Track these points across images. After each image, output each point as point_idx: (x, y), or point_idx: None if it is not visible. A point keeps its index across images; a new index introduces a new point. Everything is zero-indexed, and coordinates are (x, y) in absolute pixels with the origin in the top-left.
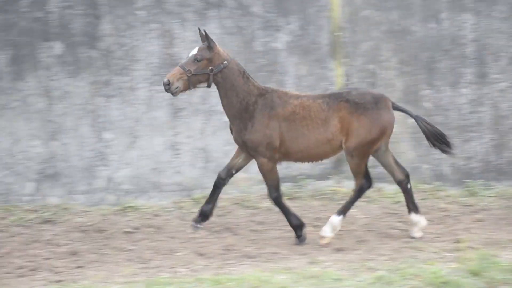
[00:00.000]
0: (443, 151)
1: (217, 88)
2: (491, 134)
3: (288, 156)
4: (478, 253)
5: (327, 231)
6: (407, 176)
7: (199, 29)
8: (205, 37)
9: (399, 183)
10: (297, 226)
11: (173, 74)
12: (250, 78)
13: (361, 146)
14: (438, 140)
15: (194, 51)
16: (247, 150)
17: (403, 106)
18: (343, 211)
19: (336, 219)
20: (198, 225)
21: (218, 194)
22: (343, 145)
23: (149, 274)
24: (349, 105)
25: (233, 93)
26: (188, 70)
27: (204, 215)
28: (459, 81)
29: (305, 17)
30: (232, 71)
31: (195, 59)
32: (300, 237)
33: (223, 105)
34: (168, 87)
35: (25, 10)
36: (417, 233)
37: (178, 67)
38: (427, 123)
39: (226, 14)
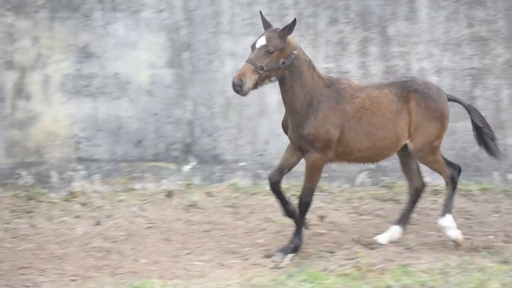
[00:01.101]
0: (490, 150)
1: (280, 81)
2: None
3: (344, 156)
4: None
5: (453, 234)
6: (423, 187)
7: (260, 12)
8: (264, 21)
9: (414, 191)
10: (298, 244)
11: (244, 72)
12: (316, 68)
13: (429, 143)
14: (488, 136)
15: (262, 41)
16: (302, 145)
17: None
18: (446, 210)
19: (445, 220)
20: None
21: (283, 195)
22: (409, 143)
23: None
24: (418, 96)
25: (299, 86)
26: (260, 66)
27: (291, 215)
28: None
29: None
30: (300, 61)
31: (268, 52)
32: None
33: (285, 99)
34: (240, 88)
35: None
36: (383, 240)
37: (247, 63)
38: (481, 116)
39: None
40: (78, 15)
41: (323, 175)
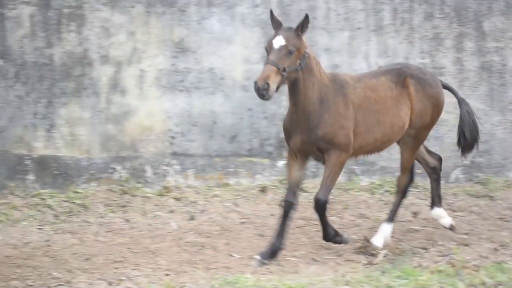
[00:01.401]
0: (465, 150)
1: (292, 83)
2: None
3: (359, 149)
4: None
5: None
6: (440, 162)
7: (271, 11)
8: (275, 20)
9: (432, 170)
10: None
11: (268, 74)
12: (320, 63)
13: (424, 129)
14: (471, 134)
15: (281, 40)
16: (320, 146)
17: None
18: (392, 217)
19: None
20: (265, 261)
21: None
22: (407, 128)
23: None
24: (415, 81)
25: (311, 86)
26: (283, 67)
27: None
28: None
29: None
30: (310, 59)
31: (289, 52)
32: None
33: (296, 101)
34: (266, 92)
35: None
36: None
37: (269, 65)
38: (470, 111)
39: None
40: (173, 10)
41: (418, 171)
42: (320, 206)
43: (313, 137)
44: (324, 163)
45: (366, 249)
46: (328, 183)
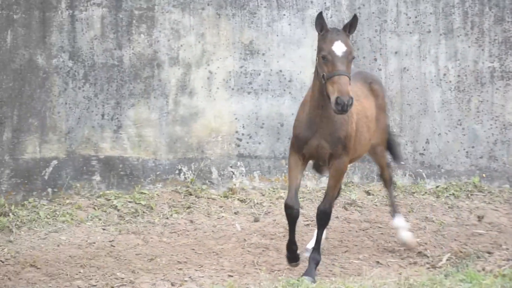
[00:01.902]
0: (394, 154)
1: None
2: None
3: (352, 156)
4: None
5: (404, 236)
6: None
7: (321, 13)
8: (321, 22)
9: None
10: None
11: (350, 88)
12: None
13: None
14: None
15: (343, 46)
16: (336, 151)
17: None
18: (395, 209)
19: (397, 221)
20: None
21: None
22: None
23: None
24: (378, 86)
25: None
26: (350, 76)
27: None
28: None
29: None
30: None
31: (352, 58)
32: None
33: (326, 105)
34: (350, 107)
35: None
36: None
37: (345, 76)
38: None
39: None
40: (243, 12)
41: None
42: (326, 217)
43: (333, 141)
44: (318, 170)
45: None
46: (333, 193)
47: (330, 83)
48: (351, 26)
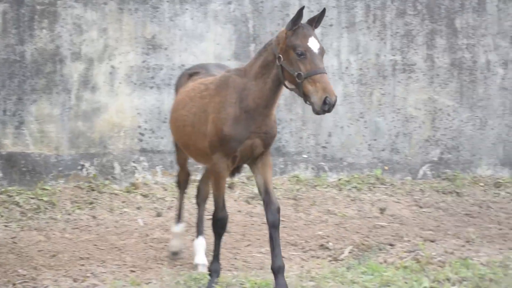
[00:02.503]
0: None
1: (280, 82)
2: None
3: None
4: None
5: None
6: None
7: (302, 8)
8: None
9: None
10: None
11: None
12: None
13: None
14: None
15: (317, 43)
16: (267, 149)
17: None
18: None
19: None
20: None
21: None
22: None
23: None
24: None
25: None
26: None
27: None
28: None
29: None
30: None
31: (324, 53)
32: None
33: (270, 104)
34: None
35: None
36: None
37: (326, 74)
38: None
39: None
40: (146, 7)
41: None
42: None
43: (268, 139)
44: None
45: None
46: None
47: (310, 82)
48: (318, 21)
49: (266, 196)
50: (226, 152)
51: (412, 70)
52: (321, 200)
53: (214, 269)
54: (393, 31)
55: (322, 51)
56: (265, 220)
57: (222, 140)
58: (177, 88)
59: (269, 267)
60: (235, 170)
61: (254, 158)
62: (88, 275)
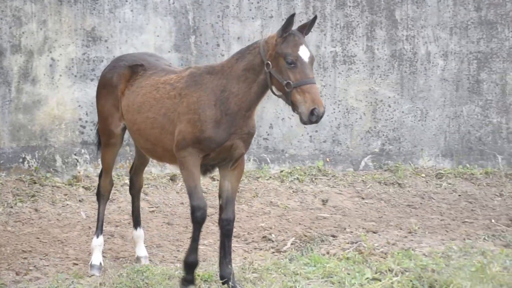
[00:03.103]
0: None
1: (266, 87)
2: None
3: None
4: None
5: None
6: None
7: (292, 15)
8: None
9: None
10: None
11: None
12: None
13: None
14: None
15: (308, 52)
16: (245, 149)
17: None
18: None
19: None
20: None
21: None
22: None
23: None
24: None
25: None
26: None
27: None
28: None
29: None
30: None
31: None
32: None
33: (252, 108)
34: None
35: None
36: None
37: (315, 85)
38: None
39: None
40: None
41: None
42: (233, 224)
43: (248, 140)
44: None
45: None
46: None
47: (299, 92)
48: (308, 28)
49: (226, 205)
50: (201, 149)
51: (352, 61)
52: (264, 191)
53: (192, 261)
54: (333, 22)
55: (312, 59)
56: (207, 212)
57: (200, 141)
58: (116, 79)
59: (211, 259)
60: (208, 169)
61: (230, 161)
62: (31, 268)
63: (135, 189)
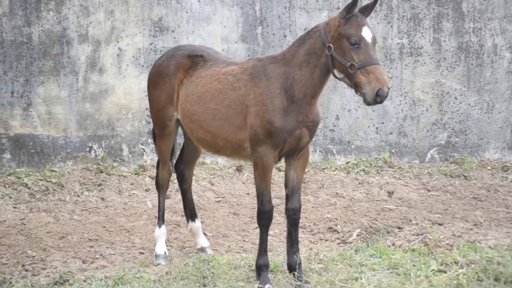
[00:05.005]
0: None
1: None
2: None
3: None
4: None
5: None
6: None
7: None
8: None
9: None
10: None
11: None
12: None
13: None
14: None
15: (371, 33)
16: (310, 138)
17: None
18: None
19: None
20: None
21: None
22: None
23: None
24: None
25: None
26: None
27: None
28: None
29: None
30: None
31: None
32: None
33: (317, 93)
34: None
35: None
36: None
37: (380, 65)
38: None
39: None
40: None
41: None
42: (299, 213)
43: (314, 128)
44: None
45: None
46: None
47: (363, 73)
48: (370, 10)
49: (292, 195)
50: (275, 144)
51: (419, 53)
52: (330, 183)
53: (264, 263)
54: (399, 14)
55: (374, 40)
56: (273, 203)
57: (271, 133)
58: (173, 68)
59: (277, 249)
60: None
61: (295, 150)
62: (97, 256)
63: (187, 183)
